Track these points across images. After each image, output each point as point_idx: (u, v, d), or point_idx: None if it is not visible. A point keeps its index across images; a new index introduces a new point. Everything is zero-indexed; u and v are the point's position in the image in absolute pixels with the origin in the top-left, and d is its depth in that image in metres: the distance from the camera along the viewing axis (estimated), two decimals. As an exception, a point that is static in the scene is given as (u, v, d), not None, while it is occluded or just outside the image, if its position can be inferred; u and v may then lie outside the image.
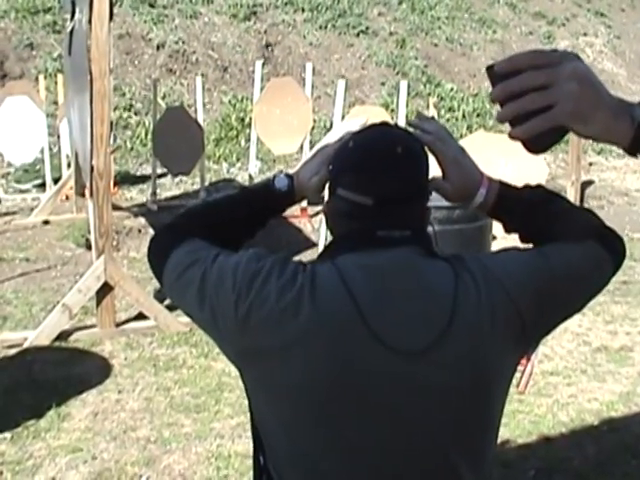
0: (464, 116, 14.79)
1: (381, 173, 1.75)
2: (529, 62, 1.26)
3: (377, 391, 1.69)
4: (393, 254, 1.74)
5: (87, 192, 6.62)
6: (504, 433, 4.59)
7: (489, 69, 1.29)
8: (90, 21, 5.80)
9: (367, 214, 1.75)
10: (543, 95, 1.24)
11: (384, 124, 1.89)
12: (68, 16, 7.18)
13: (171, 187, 11.00)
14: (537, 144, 1.28)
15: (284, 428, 1.75)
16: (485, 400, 1.76)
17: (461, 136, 13.40)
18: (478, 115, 14.89)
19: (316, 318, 1.67)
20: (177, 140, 9.31)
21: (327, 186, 1.87)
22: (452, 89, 15.40)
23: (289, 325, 1.67)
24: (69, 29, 7.13)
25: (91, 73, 5.86)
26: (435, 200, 1.90)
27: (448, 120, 14.29)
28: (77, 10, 6.62)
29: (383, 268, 1.73)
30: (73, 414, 5.08)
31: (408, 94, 7.89)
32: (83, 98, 6.23)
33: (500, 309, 1.72)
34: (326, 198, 1.87)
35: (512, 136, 1.28)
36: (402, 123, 7.65)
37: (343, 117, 8.03)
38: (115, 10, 6.06)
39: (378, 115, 7.49)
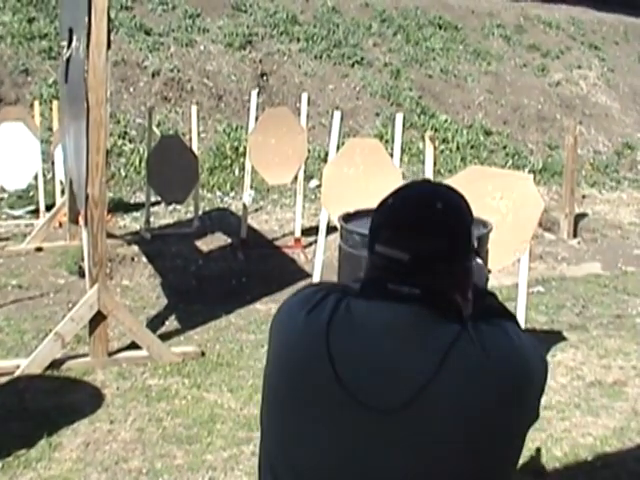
0: (458, 148, 14.83)
1: (419, 229, 1.74)
2: None
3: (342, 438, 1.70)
4: (397, 308, 1.73)
5: (81, 220, 6.59)
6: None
7: None
8: (88, 49, 5.81)
9: (402, 269, 1.73)
10: None
11: (426, 181, 1.90)
12: (65, 43, 7.19)
13: (165, 215, 10.99)
14: None
15: None
16: (475, 456, 1.70)
17: (455, 168, 13.46)
18: (472, 147, 14.94)
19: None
20: (171, 168, 9.33)
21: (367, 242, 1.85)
22: (446, 120, 15.45)
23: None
24: (66, 56, 7.13)
25: (87, 101, 5.85)
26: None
27: (442, 152, 14.34)
28: (75, 38, 6.63)
29: (380, 320, 1.73)
30: (64, 444, 5.03)
31: (403, 125, 7.90)
32: (79, 126, 6.22)
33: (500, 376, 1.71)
34: (366, 253, 1.85)
35: None
36: (397, 154, 7.65)
37: (338, 148, 8.02)
38: (111, 37, 6.06)
39: (373, 146, 7.49)
